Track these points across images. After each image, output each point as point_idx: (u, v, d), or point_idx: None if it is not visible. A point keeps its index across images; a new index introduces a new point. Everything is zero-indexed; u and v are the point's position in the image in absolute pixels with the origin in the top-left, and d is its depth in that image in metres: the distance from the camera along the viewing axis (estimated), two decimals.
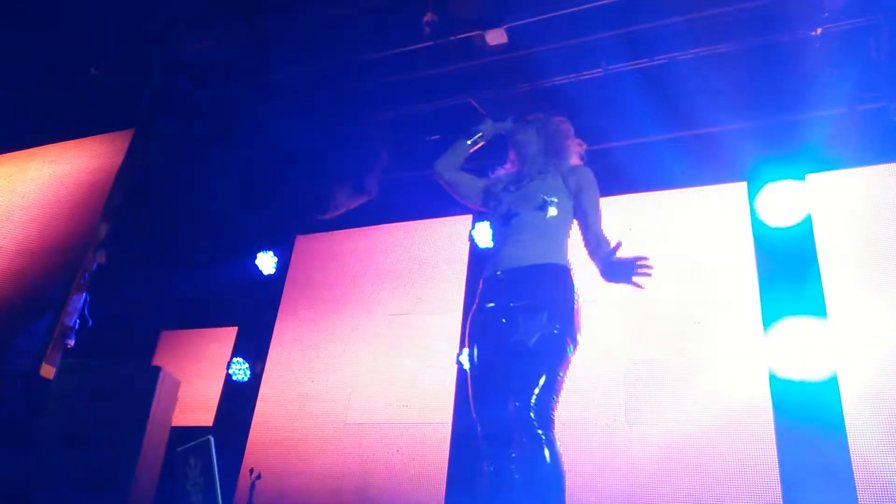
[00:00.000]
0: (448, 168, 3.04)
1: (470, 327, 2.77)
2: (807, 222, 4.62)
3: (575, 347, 2.58)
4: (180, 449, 5.00)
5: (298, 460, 5.44)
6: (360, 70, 5.17)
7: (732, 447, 4.26)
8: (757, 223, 4.78)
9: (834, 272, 4.44)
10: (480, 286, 2.82)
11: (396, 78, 5.16)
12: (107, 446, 4.41)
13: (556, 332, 2.53)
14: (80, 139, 5.78)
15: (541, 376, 2.45)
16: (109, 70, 5.32)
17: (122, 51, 5.24)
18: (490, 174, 3.08)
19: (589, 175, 2.88)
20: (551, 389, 2.46)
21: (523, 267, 2.68)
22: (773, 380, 4.29)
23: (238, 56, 5.21)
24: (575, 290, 2.68)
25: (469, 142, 3.04)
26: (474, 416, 2.60)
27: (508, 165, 3.07)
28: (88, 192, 5.34)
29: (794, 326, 4.31)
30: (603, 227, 2.77)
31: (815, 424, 4.03)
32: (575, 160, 2.99)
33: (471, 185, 3.05)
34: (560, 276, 2.68)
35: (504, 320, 2.63)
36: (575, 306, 2.64)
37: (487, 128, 3.05)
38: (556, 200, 2.75)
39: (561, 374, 2.51)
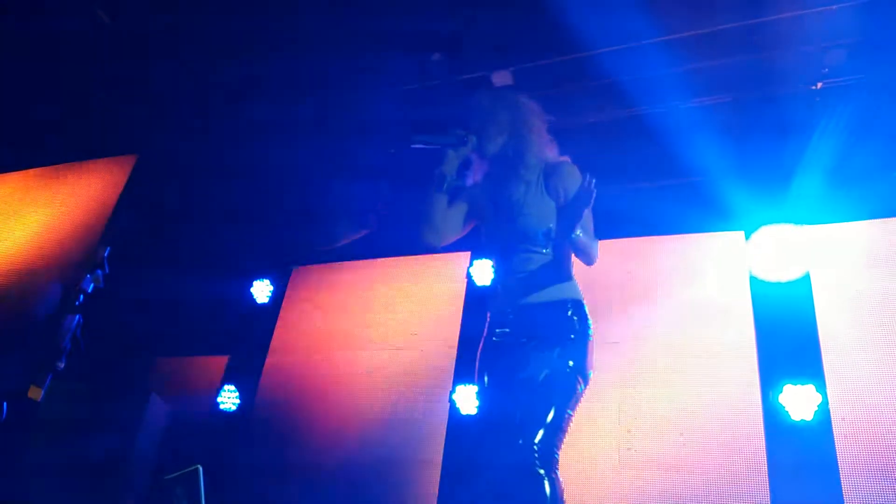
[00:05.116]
0: (441, 235, 2.78)
1: (479, 362, 2.66)
2: (805, 278, 4.61)
3: (586, 384, 2.50)
4: (168, 477, 4.93)
5: (286, 492, 5.36)
6: (365, 105, 5.22)
7: (726, 492, 4.23)
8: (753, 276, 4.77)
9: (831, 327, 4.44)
10: (489, 319, 2.70)
11: (402, 114, 5.20)
12: (93, 472, 4.36)
13: (568, 369, 2.44)
14: (83, 162, 5.81)
15: (548, 414, 2.34)
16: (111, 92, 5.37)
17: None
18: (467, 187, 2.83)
19: (572, 172, 2.67)
20: (558, 428, 2.36)
21: (537, 304, 2.56)
22: (769, 424, 4.27)
23: (241, 86, 5.26)
24: (590, 324, 2.59)
25: (442, 191, 2.75)
26: (481, 455, 2.48)
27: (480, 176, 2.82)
28: (89, 214, 5.36)
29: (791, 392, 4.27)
30: (591, 228, 2.61)
31: (809, 467, 4.01)
32: (550, 151, 2.76)
33: (463, 225, 2.85)
34: (574, 312, 2.56)
35: (513, 355, 2.52)
36: (589, 341, 2.55)
37: (451, 163, 2.75)
38: (552, 227, 2.62)
39: (570, 412, 2.41)
